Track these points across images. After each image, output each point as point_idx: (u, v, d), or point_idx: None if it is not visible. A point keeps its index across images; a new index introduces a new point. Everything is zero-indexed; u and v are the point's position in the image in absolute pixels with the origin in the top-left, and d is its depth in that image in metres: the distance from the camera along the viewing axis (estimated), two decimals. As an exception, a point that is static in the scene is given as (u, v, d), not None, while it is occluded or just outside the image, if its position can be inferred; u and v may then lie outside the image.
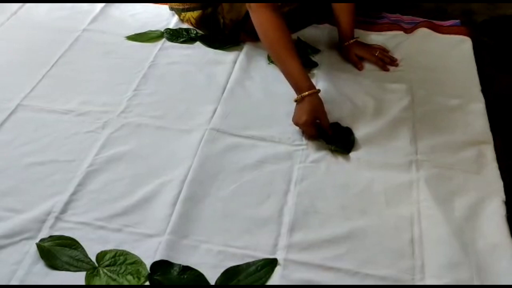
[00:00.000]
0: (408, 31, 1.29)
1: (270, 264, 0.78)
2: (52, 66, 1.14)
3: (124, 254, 0.79)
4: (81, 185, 0.88)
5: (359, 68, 1.16)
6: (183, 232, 0.82)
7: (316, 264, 0.78)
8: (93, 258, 0.78)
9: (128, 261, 0.78)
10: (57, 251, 0.78)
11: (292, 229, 0.83)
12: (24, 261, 0.77)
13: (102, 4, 1.34)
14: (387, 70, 1.16)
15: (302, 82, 0.98)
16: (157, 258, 0.78)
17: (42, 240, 0.80)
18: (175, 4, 1.28)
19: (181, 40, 1.24)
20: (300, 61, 0.99)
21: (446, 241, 0.81)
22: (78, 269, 0.77)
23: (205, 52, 1.21)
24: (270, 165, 0.93)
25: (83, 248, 0.79)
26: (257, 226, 0.83)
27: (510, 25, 1.38)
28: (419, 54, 1.21)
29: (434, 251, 0.80)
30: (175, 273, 0.76)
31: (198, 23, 1.25)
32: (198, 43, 1.24)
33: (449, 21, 1.32)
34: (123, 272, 0.77)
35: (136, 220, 0.83)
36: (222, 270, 0.77)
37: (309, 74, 1.14)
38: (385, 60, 1.17)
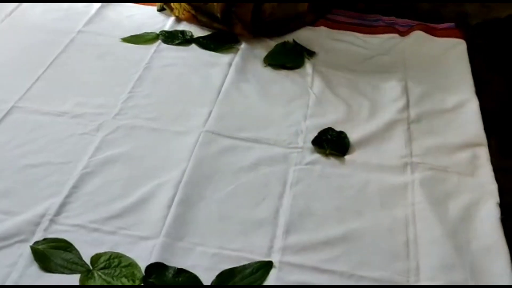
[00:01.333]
0: (403, 33, 1.29)
1: (265, 267, 0.78)
2: (47, 67, 1.14)
3: (119, 256, 0.78)
4: (76, 187, 0.88)
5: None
6: (178, 235, 0.82)
7: (311, 266, 0.78)
8: (88, 261, 0.78)
9: (122, 264, 0.77)
10: (51, 254, 0.78)
11: (287, 231, 0.83)
12: (18, 264, 0.77)
13: (97, 6, 1.34)
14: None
15: None
16: (152, 260, 0.78)
17: (36, 242, 0.79)
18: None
19: (177, 42, 1.24)
20: None
21: (441, 243, 0.81)
22: (72, 271, 0.76)
23: (201, 54, 1.21)
24: (265, 167, 0.93)
25: (77, 251, 0.79)
26: (253, 229, 0.83)
27: (504, 27, 1.39)
28: (414, 57, 1.22)
29: (428, 253, 0.80)
30: (170, 275, 0.76)
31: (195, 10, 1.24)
32: (193, 45, 1.24)
33: (444, 23, 1.32)
34: (117, 275, 0.76)
35: (131, 223, 0.83)
36: (217, 273, 0.77)
37: (303, 75, 1.15)
38: None
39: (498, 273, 0.78)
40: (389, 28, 1.31)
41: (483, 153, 0.97)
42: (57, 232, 0.81)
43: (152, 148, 0.96)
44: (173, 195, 0.87)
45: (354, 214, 0.86)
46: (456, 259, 0.79)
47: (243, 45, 1.23)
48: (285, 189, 0.90)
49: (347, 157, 0.96)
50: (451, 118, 1.05)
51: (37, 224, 0.82)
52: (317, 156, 0.96)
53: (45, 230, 0.81)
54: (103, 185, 0.89)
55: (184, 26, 1.29)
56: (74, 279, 0.76)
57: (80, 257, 0.78)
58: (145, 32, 1.26)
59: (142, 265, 0.77)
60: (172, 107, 1.05)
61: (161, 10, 1.33)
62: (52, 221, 0.83)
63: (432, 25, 1.31)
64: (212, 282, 0.76)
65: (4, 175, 0.89)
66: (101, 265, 0.77)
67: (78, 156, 0.94)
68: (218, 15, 1.21)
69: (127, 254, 0.79)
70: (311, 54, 1.22)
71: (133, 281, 0.76)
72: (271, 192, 0.89)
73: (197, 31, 1.28)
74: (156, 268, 0.77)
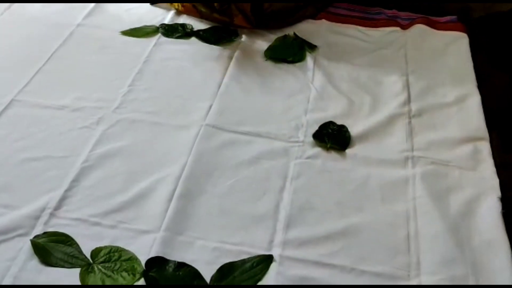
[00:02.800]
0: (404, 27, 1.29)
1: (265, 261, 0.78)
2: (47, 61, 1.13)
3: (119, 250, 0.78)
4: (75, 181, 0.88)
5: None
6: (178, 229, 0.81)
7: (312, 261, 0.78)
8: (88, 255, 0.78)
9: (123, 258, 0.77)
10: (52, 248, 0.78)
11: (288, 226, 0.83)
12: (18, 258, 0.76)
13: (97, -1, 1.33)
14: None
15: None
16: (152, 254, 0.78)
17: (36, 236, 0.79)
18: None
19: (177, 35, 1.23)
20: None
21: (442, 238, 0.81)
22: (72, 265, 0.76)
23: (201, 48, 1.20)
24: (266, 161, 0.93)
25: (77, 245, 0.79)
26: (253, 223, 0.83)
27: (506, 22, 1.38)
28: (416, 50, 1.21)
29: (429, 248, 0.80)
30: (170, 269, 0.76)
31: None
32: (193, 39, 1.23)
33: (446, 17, 1.32)
34: (118, 269, 0.76)
35: (131, 216, 0.83)
36: (217, 267, 0.77)
37: (304, 69, 1.14)
38: None
39: (499, 268, 0.77)
40: (391, 21, 1.30)
41: (485, 148, 0.96)
42: (57, 226, 0.81)
43: (152, 142, 0.96)
44: (174, 189, 0.87)
45: (355, 208, 0.86)
46: (457, 254, 0.79)
47: (243, 39, 1.23)
48: (285, 183, 0.90)
49: (348, 151, 0.96)
50: (453, 112, 1.04)
51: (37, 218, 0.82)
52: (318, 150, 0.96)
53: (45, 223, 0.81)
54: (103, 179, 0.88)
55: (184, 19, 1.29)
56: (74, 273, 0.76)
57: (80, 251, 0.78)
58: (145, 25, 1.25)
59: (143, 259, 0.77)
60: (172, 101, 1.05)
61: (153, 2, 1.32)
62: (52, 214, 0.82)
63: (434, 18, 1.31)
64: (213, 276, 0.76)
65: (3, 169, 0.89)
66: (101, 259, 0.77)
67: (78, 150, 0.93)
68: (216, 6, 1.20)
69: (128, 248, 0.79)
70: (312, 47, 1.21)
71: (134, 275, 0.75)
72: (272, 186, 0.89)
73: (198, 24, 1.27)
74: (157, 262, 0.77)
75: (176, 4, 1.29)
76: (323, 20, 1.30)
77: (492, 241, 0.81)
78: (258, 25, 1.24)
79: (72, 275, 0.75)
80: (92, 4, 1.32)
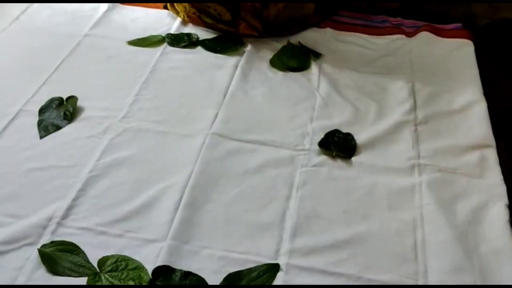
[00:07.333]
0: (409, 34, 1.29)
1: (272, 270, 0.78)
2: (54, 71, 1.14)
3: (126, 259, 0.78)
4: (82, 190, 0.88)
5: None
6: (184, 238, 0.82)
7: (319, 269, 0.78)
8: (95, 264, 0.78)
9: (129, 267, 0.78)
10: (59, 257, 0.78)
11: (294, 234, 0.82)
12: (25, 267, 0.77)
13: (103, 9, 1.34)
14: None
15: None
16: (159, 263, 0.78)
17: (43, 245, 0.80)
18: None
19: (182, 44, 1.24)
20: None
21: (449, 246, 0.80)
22: (79, 274, 0.77)
23: (206, 57, 1.21)
24: (271, 169, 0.93)
25: (84, 254, 0.79)
26: (259, 231, 0.83)
27: (512, 28, 1.38)
28: (421, 58, 1.21)
29: (437, 256, 0.80)
30: (177, 278, 0.76)
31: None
32: (199, 48, 1.24)
33: (451, 24, 1.32)
34: (124, 278, 0.76)
35: (138, 226, 0.83)
36: (224, 276, 0.77)
37: (309, 77, 1.15)
38: None
39: (507, 276, 0.77)
40: (396, 29, 1.30)
41: (492, 155, 0.96)
42: (64, 235, 0.81)
43: (159, 151, 0.96)
44: (180, 198, 0.87)
45: (361, 216, 0.85)
46: (464, 262, 0.78)
47: (248, 47, 1.23)
48: (291, 191, 0.89)
49: (354, 159, 0.95)
50: (459, 119, 1.04)
51: (44, 227, 0.82)
52: (323, 158, 0.96)
53: (52, 233, 0.82)
54: (110, 188, 0.89)
55: (189, 29, 1.29)
56: (82, 282, 0.76)
57: (87, 260, 0.78)
58: (151, 35, 1.26)
59: (149, 268, 0.77)
60: (178, 110, 1.05)
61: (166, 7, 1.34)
62: (59, 224, 0.83)
63: (439, 26, 1.31)
64: (219, 285, 0.76)
65: (11, 179, 0.90)
66: (108, 268, 0.77)
67: (85, 159, 0.94)
68: (228, 15, 1.20)
69: (134, 257, 0.79)
70: (317, 55, 1.21)
71: (140, 284, 0.76)
72: (278, 195, 0.89)
73: (203, 34, 1.28)
74: (163, 271, 0.77)
75: (181, 15, 1.30)
76: (328, 29, 1.30)
77: (499, 249, 0.80)
78: (263, 33, 1.25)
79: (79, 284, 0.75)
80: (99, 15, 1.33)
